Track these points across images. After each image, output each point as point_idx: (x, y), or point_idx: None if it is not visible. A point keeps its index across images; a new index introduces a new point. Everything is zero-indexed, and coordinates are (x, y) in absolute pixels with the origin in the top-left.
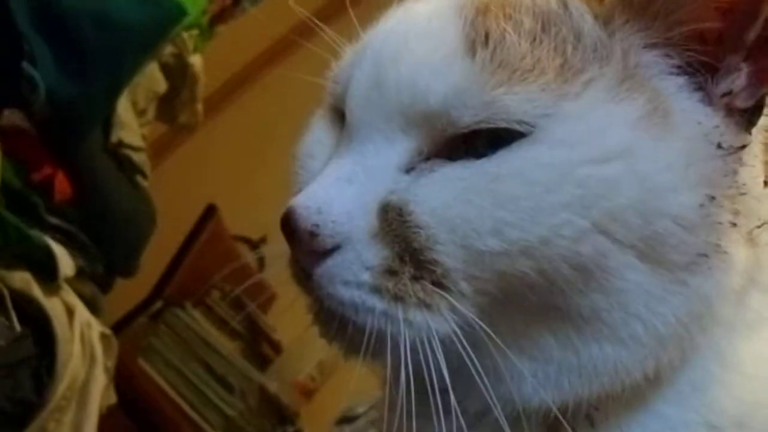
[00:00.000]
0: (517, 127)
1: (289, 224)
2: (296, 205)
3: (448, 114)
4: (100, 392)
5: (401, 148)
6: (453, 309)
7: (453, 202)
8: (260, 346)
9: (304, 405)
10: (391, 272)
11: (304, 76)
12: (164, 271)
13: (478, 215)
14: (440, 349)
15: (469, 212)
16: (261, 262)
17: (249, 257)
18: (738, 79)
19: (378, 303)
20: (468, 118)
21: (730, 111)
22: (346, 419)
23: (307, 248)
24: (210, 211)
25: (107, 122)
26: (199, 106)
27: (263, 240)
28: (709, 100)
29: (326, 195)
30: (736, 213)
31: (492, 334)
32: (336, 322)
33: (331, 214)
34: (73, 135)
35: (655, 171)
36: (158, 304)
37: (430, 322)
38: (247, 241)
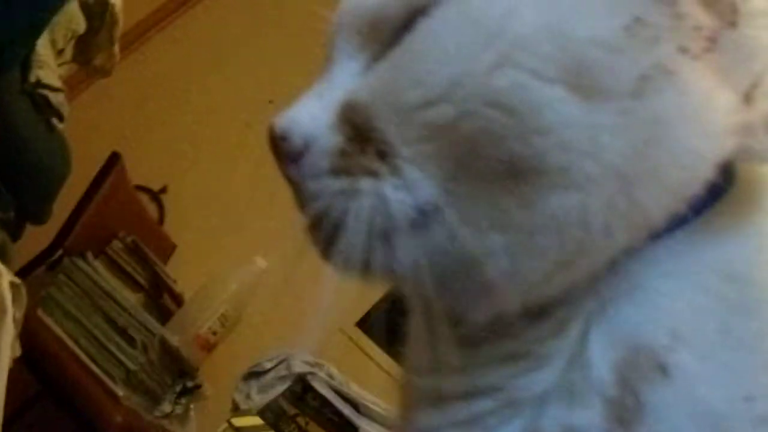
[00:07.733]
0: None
1: (270, 140)
2: (272, 122)
3: (383, 12)
4: (9, 344)
5: (361, 59)
6: (397, 173)
7: (386, 76)
8: (161, 299)
9: (205, 359)
10: (343, 153)
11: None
12: (66, 219)
13: (400, 76)
14: (398, 216)
15: (396, 77)
16: (161, 213)
17: (149, 207)
18: None
19: (335, 183)
20: (393, 9)
21: None
22: (254, 374)
23: (284, 156)
24: (113, 159)
25: (26, 61)
26: (116, 49)
27: (163, 190)
28: None
29: (297, 108)
30: (685, 36)
31: (455, 194)
32: (318, 224)
33: (299, 121)
34: None
35: None
36: (58, 254)
37: (379, 188)
38: (148, 191)
